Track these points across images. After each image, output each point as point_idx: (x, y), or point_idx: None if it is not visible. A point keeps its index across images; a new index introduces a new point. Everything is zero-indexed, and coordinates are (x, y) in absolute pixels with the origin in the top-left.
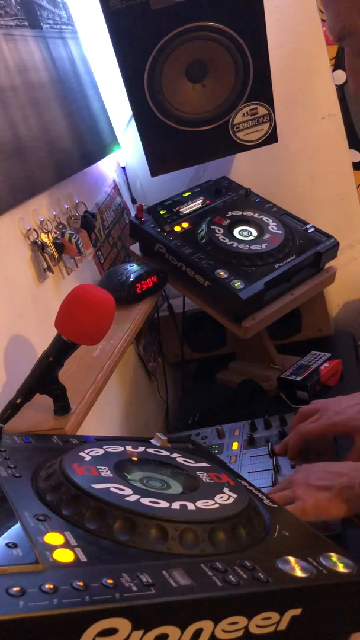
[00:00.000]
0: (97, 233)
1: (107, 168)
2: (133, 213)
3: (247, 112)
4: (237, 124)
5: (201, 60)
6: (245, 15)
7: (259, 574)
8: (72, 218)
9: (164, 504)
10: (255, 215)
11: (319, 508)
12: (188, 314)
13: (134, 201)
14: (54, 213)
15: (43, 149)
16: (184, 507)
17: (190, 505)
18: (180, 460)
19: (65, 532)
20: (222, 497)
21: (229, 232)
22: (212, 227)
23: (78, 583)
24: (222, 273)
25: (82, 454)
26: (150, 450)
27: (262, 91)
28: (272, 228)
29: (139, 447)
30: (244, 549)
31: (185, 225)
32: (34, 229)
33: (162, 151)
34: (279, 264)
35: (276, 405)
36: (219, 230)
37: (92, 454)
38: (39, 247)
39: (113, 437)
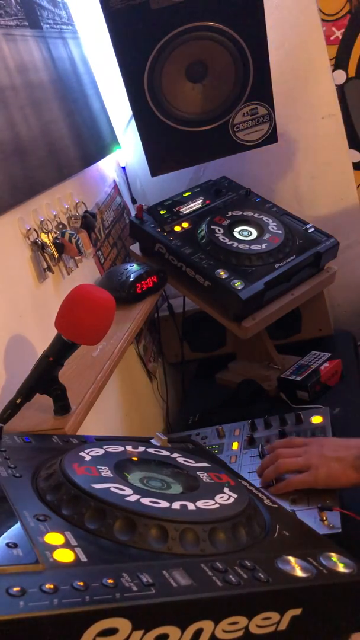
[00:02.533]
0: (97, 233)
1: (107, 168)
2: (133, 213)
3: (247, 112)
4: (237, 124)
5: (201, 60)
6: (245, 15)
7: (259, 574)
8: (72, 218)
9: (164, 504)
10: (255, 215)
11: (330, 477)
12: (188, 314)
13: (134, 201)
14: (54, 213)
15: (43, 149)
16: (184, 507)
17: (191, 505)
18: (181, 460)
19: (66, 532)
20: (222, 497)
21: (229, 232)
22: (212, 227)
23: (78, 583)
24: (222, 273)
25: (82, 454)
26: (151, 450)
27: (262, 91)
28: (272, 228)
29: (139, 447)
30: (244, 549)
31: (185, 225)
32: (34, 229)
33: (162, 151)
34: (279, 264)
35: (276, 405)
36: (219, 230)
37: (92, 454)
38: (39, 247)
39: (113, 437)
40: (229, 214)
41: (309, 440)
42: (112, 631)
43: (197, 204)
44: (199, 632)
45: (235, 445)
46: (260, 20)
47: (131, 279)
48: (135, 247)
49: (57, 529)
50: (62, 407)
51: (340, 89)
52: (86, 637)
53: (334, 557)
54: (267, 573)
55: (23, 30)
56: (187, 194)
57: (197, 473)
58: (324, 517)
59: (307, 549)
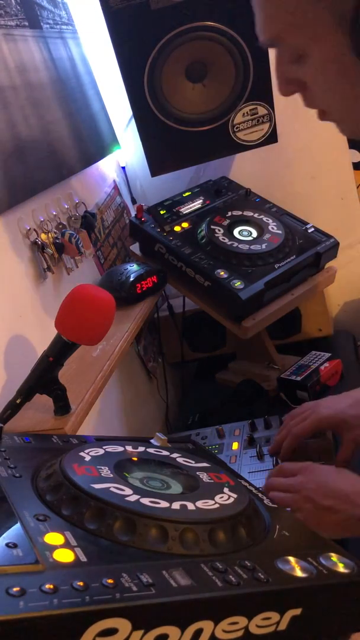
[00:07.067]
0: (97, 233)
1: (107, 168)
2: (133, 213)
3: (247, 112)
4: (237, 124)
5: (201, 60)
6: (245, 15)
7: (259, 574)
8: (72, 218)
9: (164, 504)
10: (255, 215)
11: (319, 528)
12: (188, 314)
13: (134, 201)
14: (54, 213)
15: (43, 149)
16: (184, 507)
17: (190, 505)
18: (181, 460)
19: (66, 532)
20: (222, 497)
21: (229, 232)
22: (212, 227)
23: (78, 583)
24: (222, 273)
25: (82, 454)
26: (150, 450)
27: (262, 91)
28: (272, 228)
29: (139, 447)
30: (244, 549)
31: (185, 225)
32: (34, 229)
33: (162, 151)
34: (279, 264)
35: (276, 405)
36: (219, 230)
37: (92, 454)
38: (39, 247)
39: (113, 437)
40: (229, 214)
41: (299, 468)
42: (112, 631)
43: (197, 204)
44: (198, 632)
45: (235, 445)
46: None
47: (131, 279)
48: (135, 247)
49: (57, 529)
50: (62, 407)
51: None
52: (86, 637)
53: (334, 557)
54: (267, 573)
55: (23, 31)
56: (187, 194)
57: (197, 473)
58: None
59: (307, 549)
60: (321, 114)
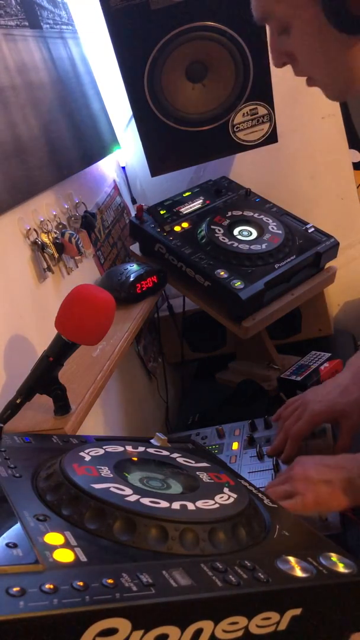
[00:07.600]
0: (97, 233)
1: (107, 168)
2: (133, 213)
3: (247, 112)
4: (237, 124)
5: (201, 60)
6: (245, 15)
7: (259, 574)
8: (72, 218)
9: (164, 504)
10: (255, 215)
11: (319, 502)
12: (188, 314)
13: (134, 201)
14: (54, 213)
15: (43, 149)
16: (184, 507)
17: (190, 505)
18: (181, 460)
19: (66, 532)
20: (222, 497)
21: (229, 232)
22: (212, 227)
23: (78, 583)
24: (222, 273)
25: (82, 454)
26: (150, 450)
27: (262, 91)
28: (272, 228)
29: (139, 447)
30: (244, 549)
31: (185, 225)
32: (34, 229)
33: (162, 151)
34: (279, 264)
35: (276, 405)
36: (219, 230)
37: (92, 454)
38: (39, 247)
39: (113, 437)
40: (229, 214)
41: (292, 465)
42: (112, 631)
43: (197, 204)
44: (198, 632)
45: (235, 445)
46: None
47: (131, 279)
48: (135, 247)
49: (57, 529)
50: (62, 407)
51: None
52: (86, 637)
53: (334, 557)
54: (267, 573)
55: (23, 31)
56: (187, 194)
57: (197, 473)
58: (324, 517)
59: (307, 549)
60: (309, 81)
